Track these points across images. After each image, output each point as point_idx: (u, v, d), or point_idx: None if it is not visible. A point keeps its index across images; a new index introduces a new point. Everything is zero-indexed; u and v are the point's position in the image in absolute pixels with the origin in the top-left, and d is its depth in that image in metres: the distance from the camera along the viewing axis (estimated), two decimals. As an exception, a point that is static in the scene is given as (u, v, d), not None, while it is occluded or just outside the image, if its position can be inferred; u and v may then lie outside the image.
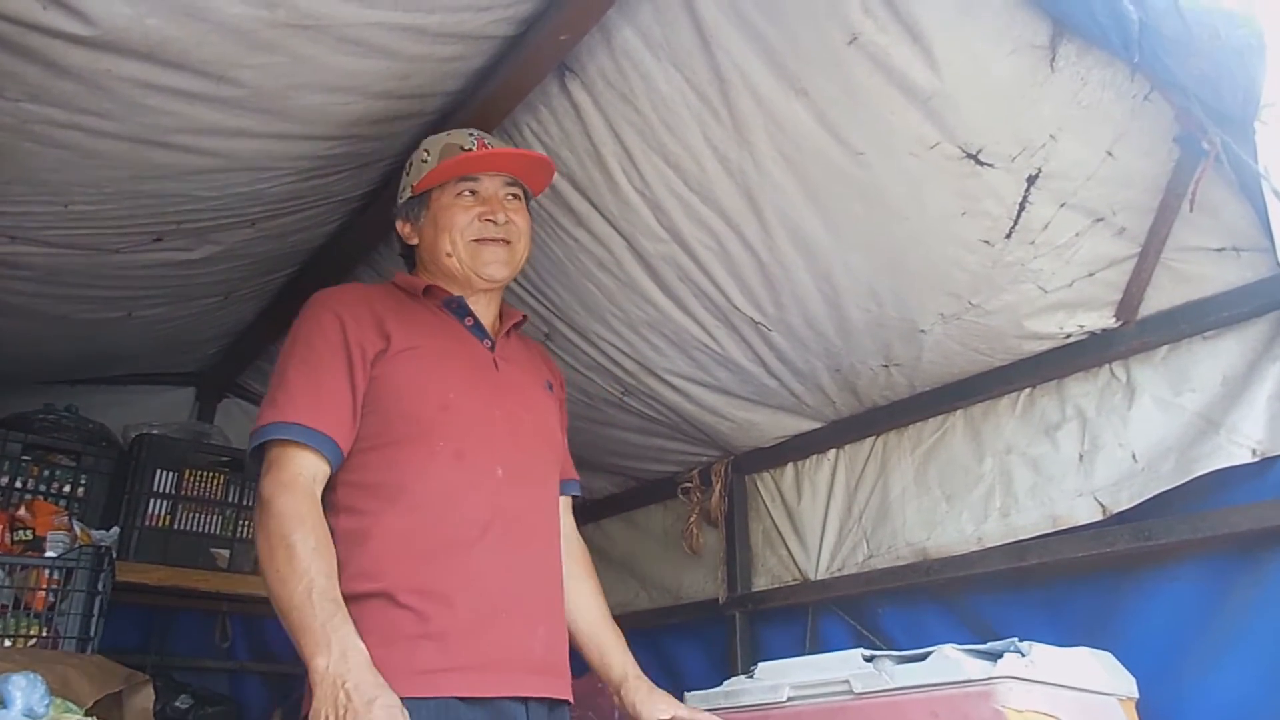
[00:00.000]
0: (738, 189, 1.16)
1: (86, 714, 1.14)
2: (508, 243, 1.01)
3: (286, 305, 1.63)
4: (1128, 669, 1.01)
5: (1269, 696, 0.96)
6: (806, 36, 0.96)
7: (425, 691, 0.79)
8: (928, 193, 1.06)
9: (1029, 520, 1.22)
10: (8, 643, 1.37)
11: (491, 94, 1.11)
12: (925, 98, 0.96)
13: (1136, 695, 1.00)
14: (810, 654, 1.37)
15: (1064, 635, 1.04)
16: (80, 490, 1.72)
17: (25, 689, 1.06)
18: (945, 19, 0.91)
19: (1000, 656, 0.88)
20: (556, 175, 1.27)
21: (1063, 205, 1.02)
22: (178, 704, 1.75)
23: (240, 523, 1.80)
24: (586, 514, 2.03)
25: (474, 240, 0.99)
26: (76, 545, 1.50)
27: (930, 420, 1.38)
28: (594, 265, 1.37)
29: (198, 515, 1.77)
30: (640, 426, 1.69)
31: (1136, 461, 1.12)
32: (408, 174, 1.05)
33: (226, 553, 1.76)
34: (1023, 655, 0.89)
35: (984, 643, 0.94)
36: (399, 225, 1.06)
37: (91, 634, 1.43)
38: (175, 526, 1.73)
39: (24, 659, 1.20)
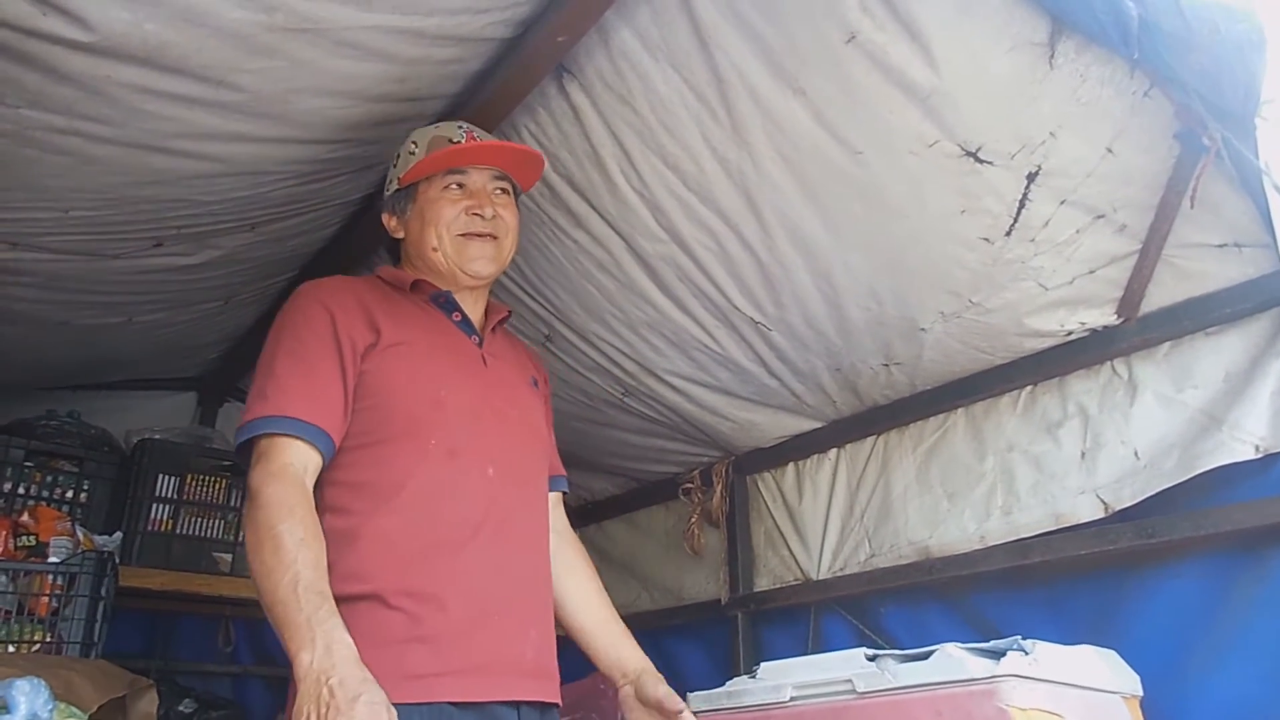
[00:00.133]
0: (736, 189, 1.16)
1: (90, 719, 1.14)
2: (495, 238, 0.98)
3: (287, 309, 1.64)
4: (1131, 667, 1.01)
5: (1273, 693, 0.96)
6: (804, 36, 0.96)
7: (418, 697, 0.78)
8: (927, 191, 1.06)
9: (1031, 518, 1.21)
10: (11, 648, 1.37)
11: (490, 96, 1.11)
12: (924, 96, 0.96)
13: (1140, 693, 1.00)
14: (813, 654, 1.37)
15: (1067, 633, 1.04)
16: (83, 496, 1.72)
17: (29, 694, 1.06)
18: (943, 17, 0.90)
19: (1004, 655, 0.88)
20: (556, 176, 1.27)
21: (1063, 202, 1.02)
22: (181, 708, 1.75)
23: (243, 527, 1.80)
24: (587, 515, 2.04)
25: (460, 235, 0.97)
26: (79, 550, 1.50)
27: (931, 419, 1.38)
28: (593, 266, 1.37)
29: (200, 520, 1.77)
30: (641, 427, 1.69)
31: (1139, 459, 1.12)
32: (394, 166, 1.03)
33: (229, 557, 1.76)
34: (1026, 653, 0.89)
35: (987, 641, 0.94)
36: (385, 218, 1.04)
37: (95, 639, 1.43)
38: (178, 531, 1.73)
39: (27, 664, 1.20)
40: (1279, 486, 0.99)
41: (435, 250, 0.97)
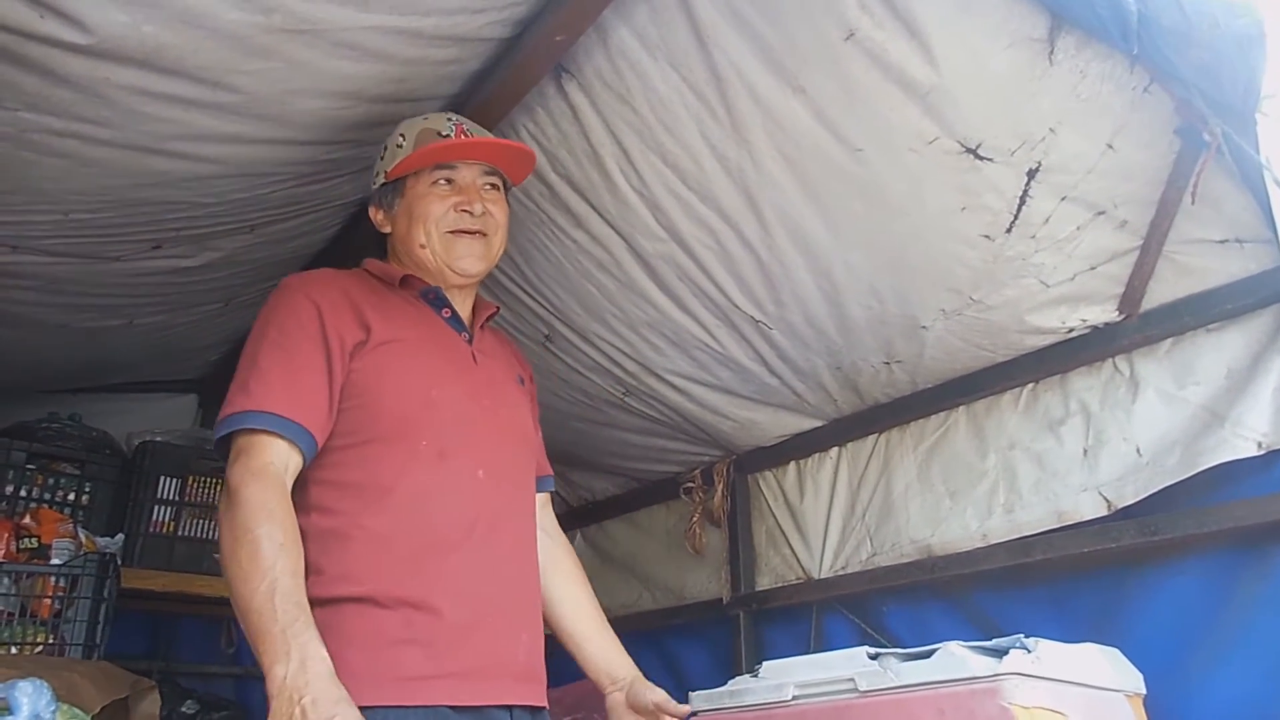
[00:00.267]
0: (736, 188, 1.16)
1: (93, 720, 1.14)
2: (484, 235, 0.97)
3: (287, 310, 1.64)
4: (1134, 664, 1.00)
5: (1276, 690, 0.95)
6: (803, 34, 0.96)
7: (414, 699, 0.77)
8: (927, 188, 1.05)
9: (1033, 516, 1.21)
10: (14, 650, 1.37)
11: (488, 96, 1.11)
12: (923, 93, 0.96)
13: (1143, 691, 0.99)
14: (815, 653, 1.37)
15: (1070, 631, 1.04)
16: (85, 498, 1.73)
17: (32, 695, 1.06)
18: (942, 13, 0.90)
19: (1006, 653, 0.88)
20: (555, 176, 1.27)
21: (1063, 199, 1.02)
22: (184, 709, 1.76)
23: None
24: (588, 515, 2.04)
25: (449, 232, 0.95)
26: (81, 553, 1.51)
27: (933, 417, 1.38)
28: (593, 266, 1.37)
29: (202, 521, 1.77)
30: (641, 427, 1.69)
31: (1141, 456, 1.12)
32: (381, 158, 1.01)
33: (231, 558, 1.76)
34: (1029, 651, 0.88)
35: (989, 640, 0.93)
36: (372, 212, 1.02)
37: (97, 640, 1.43)
38: (179, 533, 1.74)
39: (30, 666, 1.20)
40: (1282, 483, 0.99)
41: (423, 247, 0.96)
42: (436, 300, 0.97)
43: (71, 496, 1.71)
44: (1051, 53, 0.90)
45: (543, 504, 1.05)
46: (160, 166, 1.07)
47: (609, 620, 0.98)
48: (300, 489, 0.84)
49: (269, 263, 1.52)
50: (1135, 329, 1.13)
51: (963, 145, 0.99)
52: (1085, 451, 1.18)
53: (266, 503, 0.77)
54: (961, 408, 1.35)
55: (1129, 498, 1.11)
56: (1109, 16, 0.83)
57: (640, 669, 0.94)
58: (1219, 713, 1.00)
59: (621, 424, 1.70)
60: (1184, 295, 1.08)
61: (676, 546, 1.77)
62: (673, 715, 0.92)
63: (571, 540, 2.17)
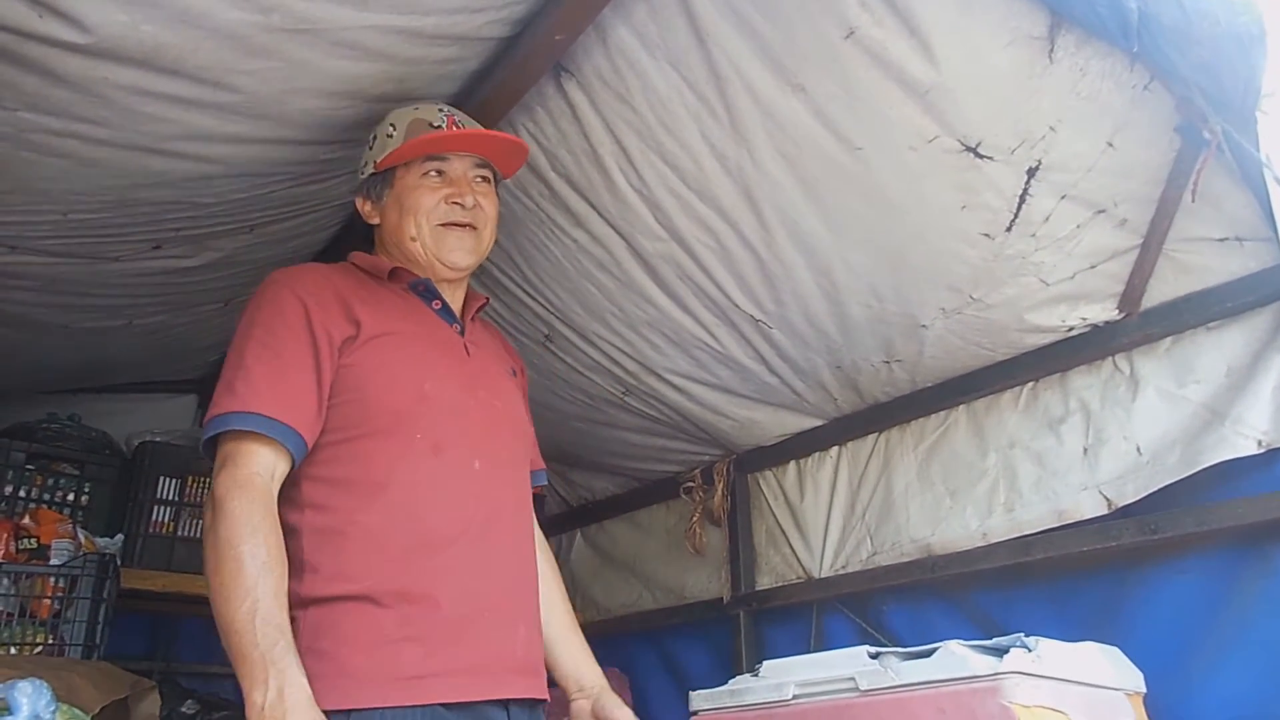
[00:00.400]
0: (736, 187, 1.16)
1: (92, 721, 1.14)
2: (474, 228, 0.95)
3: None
4: (1135, 663, 1.00)
5: (1277, 689, 0.95)
6: (803, 32, 0.96)
7: (412, 699, 0.76)
8: (927, 187, 1.05)
9: (1034, 515, 1.21)
10: (13, 650, 1.37)
11: (488, 96, 1.11)
12: (923, 91, 0.96)
13: (1144, 690, 0.99)
14: (815, 652, 1.37)
15: (1070, 630, 1.04)
16: (84, 498, 1.73)
17: (31, 695, 1.06)
18: (942, 11, 0.90)
19: (1006, 652, 0.88)
20: (554, 175, 1.27)
21: (1063, 197, 1.02)
22: (184, 710, 1.75)
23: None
24: (588, 515, 2.04)
25: (439, 225, 0.94)
26: (81, 553, 1.50)
27: (933, 416, 1.38)
28: (593, 265, 1.37)
29: (201, 522, 1.77)
30: (641, 426, 1.68)
31: (1141, 454, 1.12)
32: (370, 148, 0.99)
33: (231, 558, 1.76)
34: (1029, 650, 0.88)
35: (990, 638, 0.93)
36: (359, 203, 1.00)
37: (97, 641, 1.43)
38: (179, 533, 1.73)
39: (30, 666, 1.20)
40: (1282, 481, 0.99)
41: (414, 240, 0.95)
42: (427, 292, 0.96)
43: (71, 497, 1.71)
44: (1051, 51, 0.89)
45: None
46: (160, 166, 1.07)
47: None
48: (293, 485, 0.83)
49: (269, 263, 1.52)
50: (1135, 327, 1.13)
51: (963, 144, 0.99)
52: (1085, 450, 1.17)
53: (251, 518, 0.76)
54: (961, 407, 1.34)
55: (1129, 496, 1.11)
56: (1109, 14, 0.83)
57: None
58: (1219, 711, 0.99)
59: (621, 423, 1.69)
60: (1184, 293, 1.08)
61: (677, 546, 1.77)
62: None
63: (571, 540, 2.18)
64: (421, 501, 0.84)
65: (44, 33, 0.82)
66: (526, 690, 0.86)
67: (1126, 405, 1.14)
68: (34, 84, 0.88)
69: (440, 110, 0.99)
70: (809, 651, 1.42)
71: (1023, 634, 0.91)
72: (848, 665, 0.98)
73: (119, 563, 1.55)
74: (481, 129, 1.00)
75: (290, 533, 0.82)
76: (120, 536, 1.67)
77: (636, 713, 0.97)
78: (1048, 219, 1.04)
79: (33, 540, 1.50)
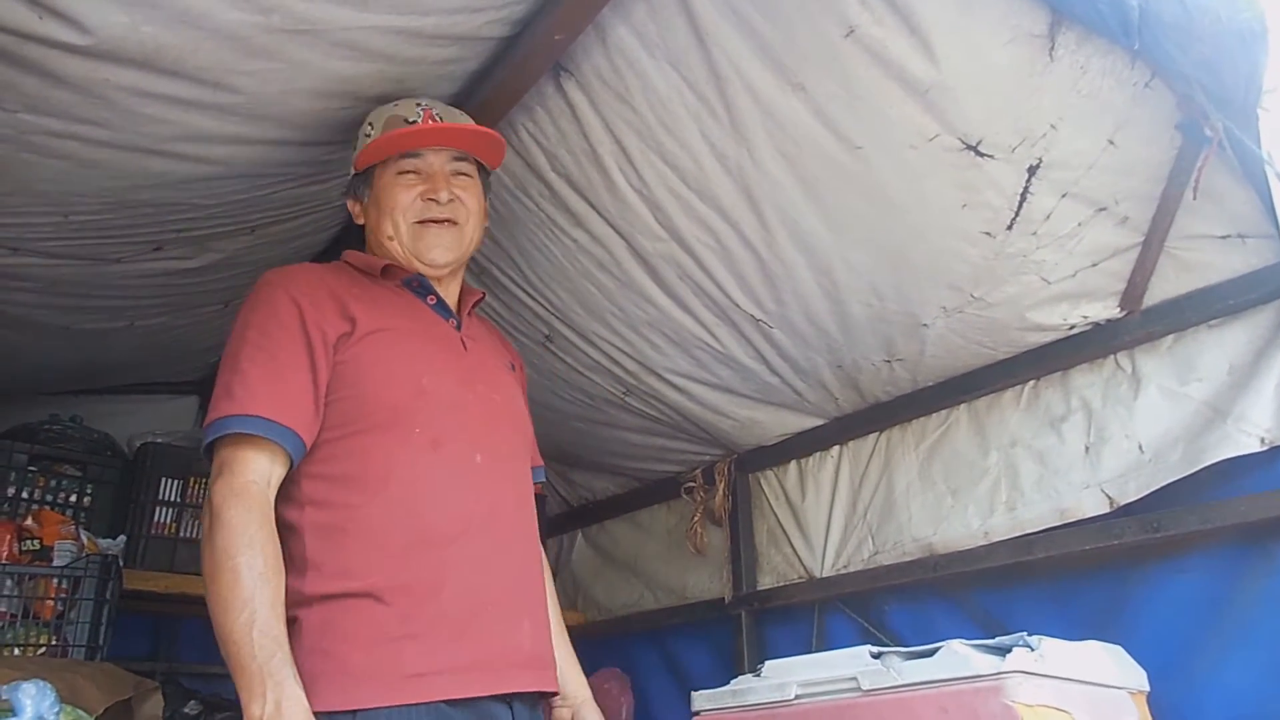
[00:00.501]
0: (736, 186, 1.15)
1: (95, 722, 1.14)
2: (454, 224, 0.94)
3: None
4: (1138, 662, 1.00)
5: (1281, 687, 0.95)
6: (803, 31, 0.96)
7: (415, 697, 0.76)
8: (928, 185, 1.05)
9: (1035, 514, 1.21)
10: (17, 651, 1.37)
11: (487, 96, 1.11)
12: (924, 90, 0.95)
13: (1147, 688, 0.99)
14: (817, 652, 1.37)
15: (1072, 629, 1.03)
16: (86, 500, 1.73)
17: (35, 697, 1.06)
18: (942, 9, 0.90)
19: (1009, 651, 0.88)
20: (554, 176, 1.27)
21: (1064, 195, 1.02)
22: (186, 710, 1.76)
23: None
24: (589, 515, 2.04)
25: (417, 222, 0.93)
26: (84, 554, 1.51)
27: (934, 415, 1.37)
28: (593, 265, 1.37)
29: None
30: (642, 426, 1.68)
31: (1143, 452, 1.11)
32: (354, 148, 1.00)
33: (233, 559, 1.76)
34: (1032, 649, 0.88)
35: (992, 638, 0.93)
36: (349, 204, 1.01)
37: (100, 642, 1.44)
38: (181, 534, 1.74)
39: (33, 667, 1.20)
40: (1285, 479, 0.98)
41: (391, 239, 0.94)
42: (421, 288, 0.95)
43: (73, 498, 1.72)
44: (1052, 48, 0.89)
45: None
46: (160, 168, 1.07)
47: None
48: (293, 483, 0.83)
49: (269, 264, 1.50)
50: (1137, 325, 1.13)
51: (963, 142, 0.99)
52: (1087, 448, 1.17)
53: (248, 528, 0.77)
54: (963, 405, 1.34)
55: (1131, 495, 1.11)
56: (1110, 12, 0.83)
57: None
58: (1223, 709, 0.99)
59: (622, 423, 1.69)
60: (1186, 291, 1.08)
61: (678, 546, 1.77)
62: None
63: (572, 540, 2.18)
64: (422, 496, 0.84)
65: (44, 34, 0.82)
66: (533, 684, 0.86)
67: (1128, 403, 1.14)
68: (34, 85, 0.88)
69: (418, 105, 0.98)
70: (811, 651, 1.42)
71: (1025, 633, 0.91)
72: (850, 665, 0.98)
73: (121, 564, 1.56)
74: (457, 123, 0.98)
75: (291, 531, 0.82)
76: (123, 538, 1.68)
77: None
78: (1049, 217, 1.04)
79: (35, 542, 1.50)
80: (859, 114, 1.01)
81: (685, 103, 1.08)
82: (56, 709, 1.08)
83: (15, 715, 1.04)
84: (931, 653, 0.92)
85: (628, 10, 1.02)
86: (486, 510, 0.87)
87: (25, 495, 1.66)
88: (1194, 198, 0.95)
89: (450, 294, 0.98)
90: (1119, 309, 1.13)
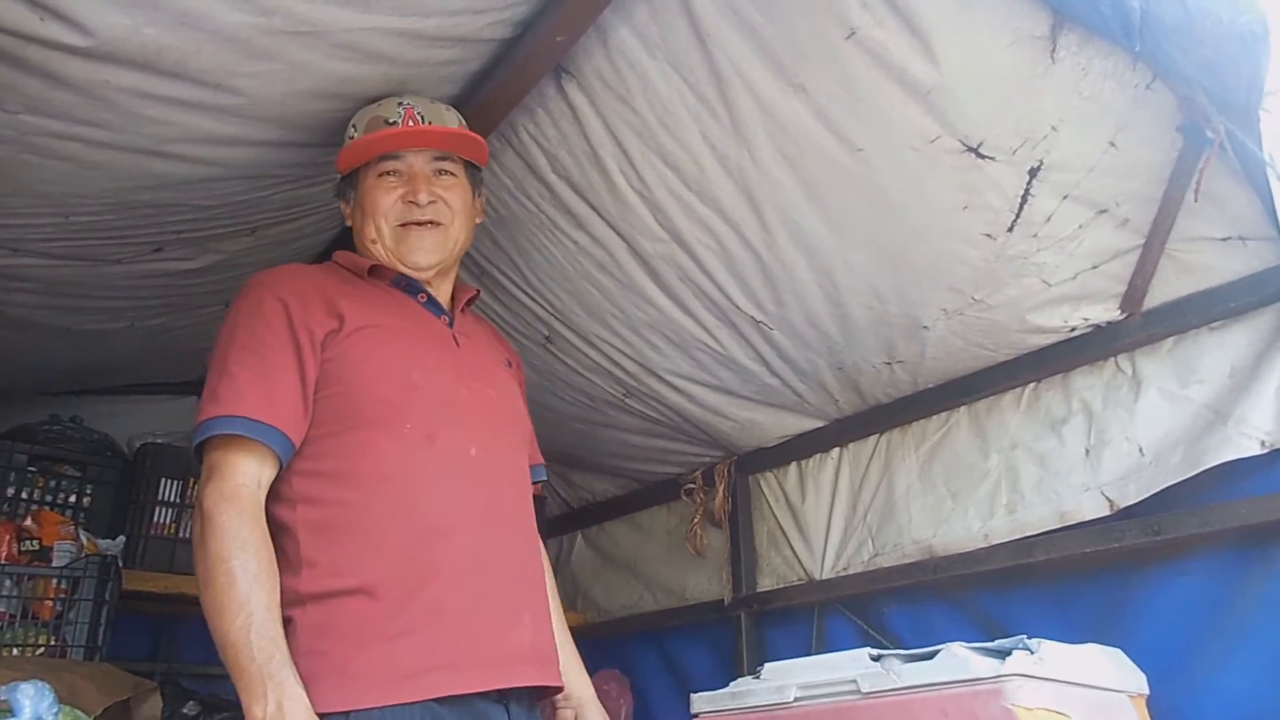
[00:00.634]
0: (737, 188, 1.15)
1: (94, 722, 1.14)
2: (437, 225, 0.93)
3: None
4: (1137, 665, 1.00)
5: (1282, 691, 0.95)
6: (804, 32, 0.96)
7: (408, 696, 0.75)
8: (928, 187, 1.05)
9: (1036, 516, 1.21)
10: (15, 652, 1.37)
11: (488, 97, 1.11)
12: (925, 91, 0.95)
13: (1147, 692, 0.99)
14: (816, 654, 1.37)
15: (1072, 632, 1.03)
16: (86, 500, 1.73)
17: (34, 697, 1.07)
18: (944, 11, 0.90)
19: (1009, 654, 0.88)
20: (555, 177, 1.27)
21: (1065, 197, 1.02)
22: (185, 711, 1.75)
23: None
24: (589, 516, 2.04)
25: (399, 225, 0.93)
26: (83, 555, 1.51)
27: (934, 417, 1.37)
28: (593, 267, 1.37)
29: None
30: (642, 428, 1.68)
31: (1144, 455, 1.11)
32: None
33: (232, 560, 1.76)
34: (1032, 652, 0.88)
35: (992, 640, 0.93)
36: (341, 206, 1.01)
37: (99, 642, 1.43)
38: (181, 535, 1.73)
39: (32, 668, 1.20)
40: (1286, 482, 0.98)
41: (374, 242, 0.94)
42: (410, 287, 0.95)
43: (73, 499, 1.72)
44: (1053, 50, 0.89)
45: None
46: (161, 169, 1.07)
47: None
48: (284, 482, 0.83)
49: (270, 265, 1.50)
50: (1138, 327, 1.12)
51: (964, 144, 0.99)
52: (1087, 451, 1.17)
53: (240, 531, 0.76)
54: (963, 408, 1.34)
55: (1132, 497, 1.11)
56: (1111, 13, 0.83)
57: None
58: (1223, 713, 0.99)
59: (622, 425, 1.69)
60: (1187, 293, 1.08)
61: (677, 547, 1.77)
62: None
63: (572, 541, 2.18)
64: (415, 491, 0.83)
65: (45, 36, 0.82)
66: (534, 678, 0.85)
67: (1129, 406, 1.14)
68: (35, 87, 0.88)
69: (400, 104, 0.97)
70: (810, 653, 1.42)
71: (1025, 636, 0.91)
72: (849, 667, 0.97)
73: (121, 564, 1.56)
74: (429, 127, 0.97)
75: (284, 530, 0.82)
76: (122, 538, 1.68)
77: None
78: (1049, 219, 1.04)
79: (35, 542, 1.50)
80: (860, 115, 1.01)
81: (686, 104, 1.08)
82: (55, 709, 1.08)
83: (14, 716, 1.04)
84: (931, 655, 0.92)
85: (629, 12, 1.02)
86: (482, 504, 0.86)
87: (25, 495, 1.66)
88: (1195, 200, 0.95)
89: (442, 292, 0.98)
90: (1120, 311, 1.13)
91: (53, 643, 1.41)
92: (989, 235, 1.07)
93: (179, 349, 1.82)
